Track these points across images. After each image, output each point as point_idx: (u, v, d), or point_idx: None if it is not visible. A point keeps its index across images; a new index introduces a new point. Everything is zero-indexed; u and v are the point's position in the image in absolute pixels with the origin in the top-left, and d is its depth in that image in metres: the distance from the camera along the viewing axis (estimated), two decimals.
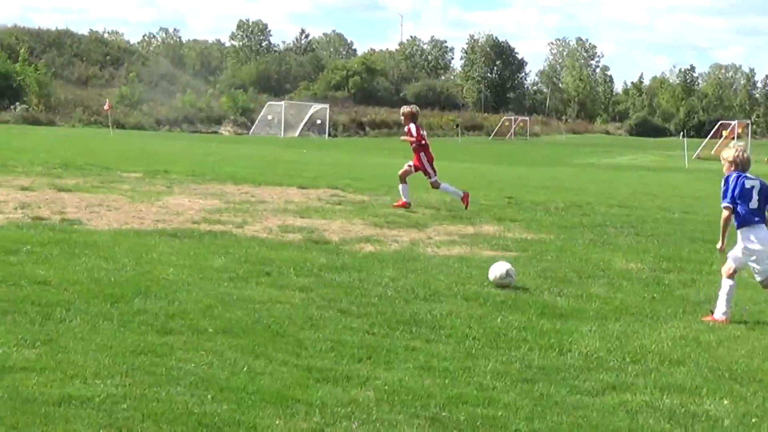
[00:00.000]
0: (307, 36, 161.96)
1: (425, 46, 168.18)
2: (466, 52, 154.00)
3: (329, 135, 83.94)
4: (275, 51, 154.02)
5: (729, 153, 10.64)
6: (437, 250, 14.07)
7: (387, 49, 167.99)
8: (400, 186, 19.60)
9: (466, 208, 19.23)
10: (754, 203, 10.37)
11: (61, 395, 6.59)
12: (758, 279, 10.58)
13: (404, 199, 19.35)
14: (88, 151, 32.79)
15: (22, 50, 79.61)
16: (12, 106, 71.80)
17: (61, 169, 24.43)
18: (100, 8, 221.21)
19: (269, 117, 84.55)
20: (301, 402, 6.78)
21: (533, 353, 8.52)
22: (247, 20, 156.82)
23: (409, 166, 19.84)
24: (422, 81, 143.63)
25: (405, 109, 20.48)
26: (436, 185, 19.84)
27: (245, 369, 7.44)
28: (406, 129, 20.09)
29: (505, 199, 22.39)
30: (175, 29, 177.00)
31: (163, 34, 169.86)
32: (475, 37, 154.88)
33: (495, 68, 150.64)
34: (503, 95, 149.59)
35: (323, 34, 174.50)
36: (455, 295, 10.70)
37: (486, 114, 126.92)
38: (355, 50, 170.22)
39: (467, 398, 7.09)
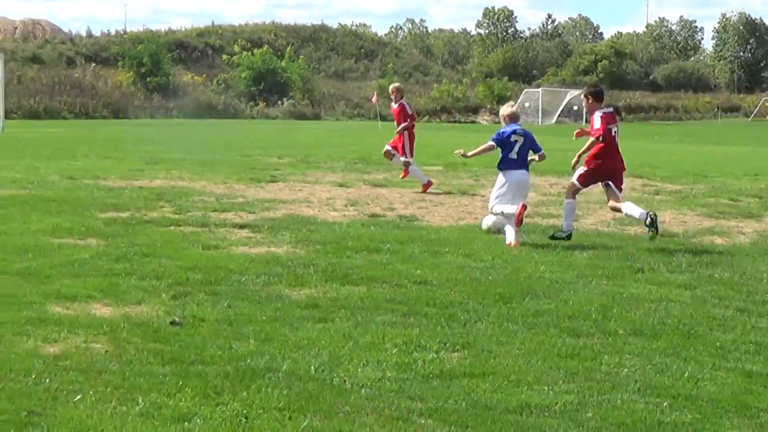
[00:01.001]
0: (553, 21, 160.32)
1: (674, 27, 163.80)
2: (717, 32, 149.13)
3: (586, 121, 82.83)
4: (521, 37, 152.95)
5: (503, 110, 13.69)
6: None
7: (634, 31, 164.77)
8: (413, 169, 19.64)
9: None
10: (513, 154, 13.06)
11: (517, 402, 6.51)
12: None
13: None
14: (371, 145, 33.20)
15: (289, 47, 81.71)
16: (280, 102, 73.82)
17: (362, 164, 24.84)
18: (343, 2, 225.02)
19: (526, 104, 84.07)
20: (762, 410, 6.51)
21: None
22: (493, 7, 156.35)
23: (392, 146, 19.86)
24: (672, 63, 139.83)
25: (395, 85, 20.42)
26: (406, 166, 19.76)
27: (685, 374, 7.21)
28: (396, 106, 19.86)
29: None
30: (421, 19, 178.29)
31: (410, 25, 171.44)
32: (727, 16, 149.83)
33: (748, 47, 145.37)
34: (757, 74, 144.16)
35: (568, 18, 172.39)
36: None
37: (742, 95, 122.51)
38: (601, 34, 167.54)
39: None
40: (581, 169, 13.15)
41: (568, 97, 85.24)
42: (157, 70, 69.79)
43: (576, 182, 13.24)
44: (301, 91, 76.76)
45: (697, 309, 9.21)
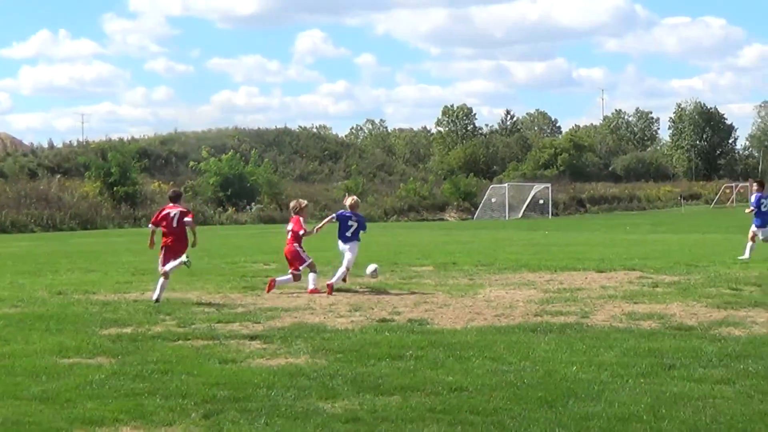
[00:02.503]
0: (512, 116, 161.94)
1: (630, 118, 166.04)
2: (673, 122, 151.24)
3: (551, 215, 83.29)
4: (481, 134, 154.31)
5: (347, 201, 20.57)
6: None
7: (591, 123, 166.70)
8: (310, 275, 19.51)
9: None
10: (348, 232, 19.91)
11: None
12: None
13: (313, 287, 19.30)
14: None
15: (254, 151, 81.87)
16: (248, 207, 73.66)
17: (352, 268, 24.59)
18: (299, 105, 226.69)
19: (492, 200, 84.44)
20: None
21: None
22: (452, 105, 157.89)
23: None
24: (630, 153, 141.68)
25: (303, 201, 20.59)
26: (297, 277, 19.60)
27: None
28: (299, 220, 19.88)
29: None
30: (381, 120, 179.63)
31: (370, 126, 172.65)
32: (682, 106, 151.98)
33: (704, 135, 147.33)
34: (714, 162, 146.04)
35: (526, 113, 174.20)
36: None
37: (701, 182, 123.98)
38: (559, 127, 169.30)
39: None
40: None
41: (533, 192, 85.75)
42: (124, 179, 69.47)
43: None
44: (269, 195, 76.69)
45: (746, 405, 9.03)
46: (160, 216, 18.26)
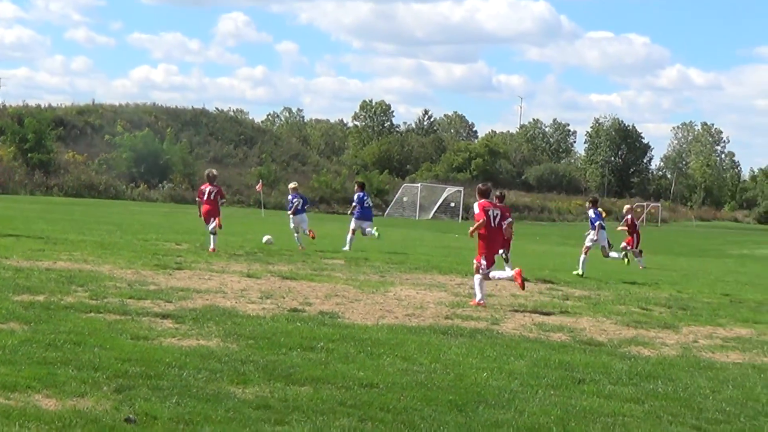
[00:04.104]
0: (429, 117, 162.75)
1: (547, 129, 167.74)
2: (590, 136, 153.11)
3: (461, 219, 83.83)
4: (397, 132, 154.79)
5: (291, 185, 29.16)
6: (713, 354, 13.66)
7: (508, 131, 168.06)
8: None
9: None
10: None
11: None
12: None
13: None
14: (263, 233, 33.01)
15: (169, 129, 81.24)
16: (160, 185, 73.11)
17: (263, 254, 24.65)
18: (217, 87, 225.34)
19: (404, 198, 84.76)
20: None
21: None
22: (371, 101, 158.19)
23: None
24: (544, 164, 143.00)
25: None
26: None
27: None
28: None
29: (722, 297, 21.84)
30: (298, 109, 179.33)
31: (287, 114, 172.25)
32: (600, 121, 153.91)
33: (619, 152, 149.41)
34: (627, 180, 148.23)
35: (444, 115, 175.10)
36: None
37: (613, 199, 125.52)
38: (476, 132, 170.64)
39: None
40: None
41: (445, 194, 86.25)
42: (39, 146, 68.60)
43: None
44: (182, 175, 76.18)
45: (654, 426, 9.18)
46: (201, 192, 25.86)
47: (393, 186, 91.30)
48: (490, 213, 17.62)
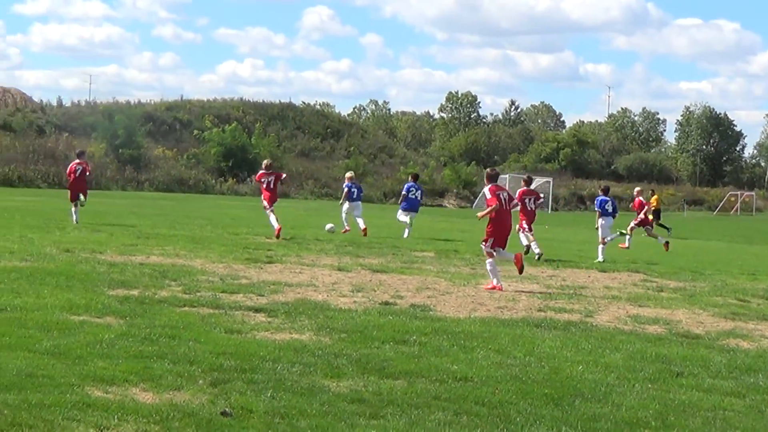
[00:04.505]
0: (516, 107, 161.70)
1: (636, 118, 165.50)
2: (680, 124, 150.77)
3: (551, 209, 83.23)
4: (484, 123, 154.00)
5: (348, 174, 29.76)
6: None
7: (596, 120, 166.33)
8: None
9: None
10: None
11: None
12: None
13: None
14: (353, 226, 33.08)
15: (258, 124, 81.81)
16: (248, 179, 73.69)
17: (353, 247, 24.66)
18: (303, 81, 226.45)
19: None
20: None
21: None
22: (457, 92, 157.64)
23: None
24: (634, 153, 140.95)
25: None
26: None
27: None
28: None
29: None
30: (384, 101, 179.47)
31: (373, 106, 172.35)
32: (691, 109, 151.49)
33: (711, 141, 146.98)
34: (719, 168, 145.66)
35: (531, 105, 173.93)
36: None
37: (705, 188, 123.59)
38: (563, 122, 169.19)
39: None
40: None
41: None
42: (130, 142, 69.54)
43: None
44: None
45: (757, 420, 8.97)
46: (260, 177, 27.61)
47: (481, 177, 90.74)
48: (501, 196, 18.17)
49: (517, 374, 10.20)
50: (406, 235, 29.67)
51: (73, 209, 27.66)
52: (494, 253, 18.03)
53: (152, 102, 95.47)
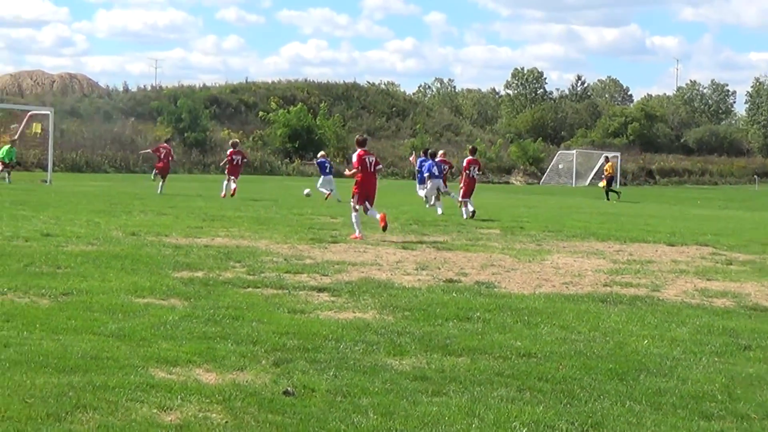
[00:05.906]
0: (583, 82, 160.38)
1: (705, 90, 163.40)
2: (750, 95, 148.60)
3: (620, 184, 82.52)
4: (550, 98, 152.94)
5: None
6: None
7: (665, 94, 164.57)
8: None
9: None
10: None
11: None
12: None
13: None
14: (418, 205, 33.04)
15: (323, 104, 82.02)
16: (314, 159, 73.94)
17: (417, 225, 24.69)
18: (367, 61, 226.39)
19: (560, 166, 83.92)
20: None
21: None
22: (522, 68, 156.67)
23: None
24: (704, 126, 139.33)
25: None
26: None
27: None
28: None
29: None
30: (449, 79, 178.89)
31: (438, 84, 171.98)
32: (761, 80, 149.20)
33: None
34: None
35: (598, 80, 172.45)
36: None
37: None
38: (631, 96, 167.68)
39: None
40: None
41: (601, 160, 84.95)
42: (195, 125, 70.07)
43: None
44: (336, 149, 76.85)
45: None
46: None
47: (548, 153, 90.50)
48: (367, 160, 21.53)
49: (581, 349, 10.12)
50: (439, 211, 30.55)
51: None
52: (358, 208, 21.10)
53: (217, 85, 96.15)
